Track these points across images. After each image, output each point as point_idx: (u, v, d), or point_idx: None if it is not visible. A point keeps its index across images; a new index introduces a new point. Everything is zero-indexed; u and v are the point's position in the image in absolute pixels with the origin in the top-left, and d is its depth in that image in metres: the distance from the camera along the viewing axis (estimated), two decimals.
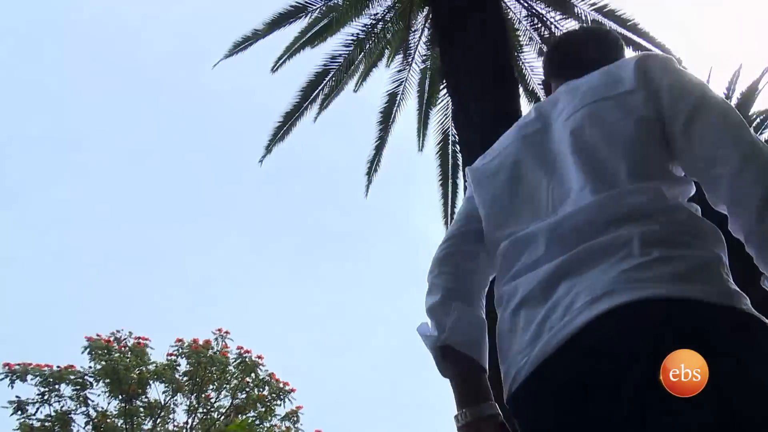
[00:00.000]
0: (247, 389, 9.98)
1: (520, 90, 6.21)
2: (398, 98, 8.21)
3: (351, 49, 7.51)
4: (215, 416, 9.95)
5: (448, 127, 8.15)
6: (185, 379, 9.69)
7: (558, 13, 7.38)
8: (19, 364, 8.63)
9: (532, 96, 8.08)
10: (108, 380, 9.03)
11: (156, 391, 9.62)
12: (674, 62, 1.02)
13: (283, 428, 9.87)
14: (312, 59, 7.68)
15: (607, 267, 0.84)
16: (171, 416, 9.76)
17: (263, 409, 9.85)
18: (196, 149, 30.15)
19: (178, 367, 9.73)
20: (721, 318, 0.77)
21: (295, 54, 7.61)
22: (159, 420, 9.58)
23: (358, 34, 7.45)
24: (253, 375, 9.94)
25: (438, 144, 8.48)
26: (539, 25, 7.53)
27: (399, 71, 8.06)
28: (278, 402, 9.91)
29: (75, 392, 8.99)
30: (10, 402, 8.49)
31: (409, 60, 7.91)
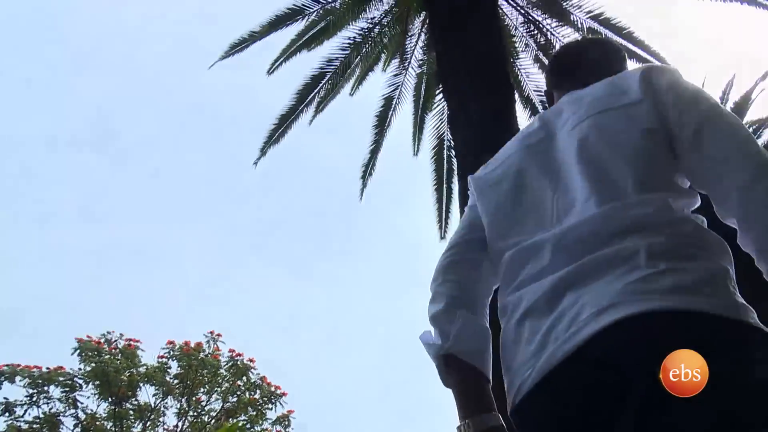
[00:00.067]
0: (239, 393, 9.92)
1: (516, 96, 6.24)
2: (394, 102, 8.23)
3: (347, 52, 7.51)
4: (206, 420, 9.88)
5: (444, 132, 8.17)
6: (176, 381, 9.62)
7: (554, 20, 7.42)
8: (7, 365, 8.54)
9: (528, 102, 8.11)
10: (98, 382, 8.96)
11: (146, 394, 9.57)
12: (679, 74, 1.02)
13: None
14: (310, 62, 7.69)
15: (613, 278, 0.83)
16: (161, 419, 9.68)
17: (254, 413, 9.80)
18: (195, 149, 30.13)
19: (168, 370, 9.67)
20: (728, 331, 0.77)
21: (291, 57, 7.60)
22: (149, 423, 9.49)
23: (354, 37, 7.45)
24: (244, 378, 9.89)
25: (433, 149, 8.50)
26: (535, 31, 7.57)
27: (395, 75, 8.08)
28: (270, 406, 9.86)
29: (64, 394, 8.90)
30: None
31: (406, 64, 7.93)
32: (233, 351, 9.91)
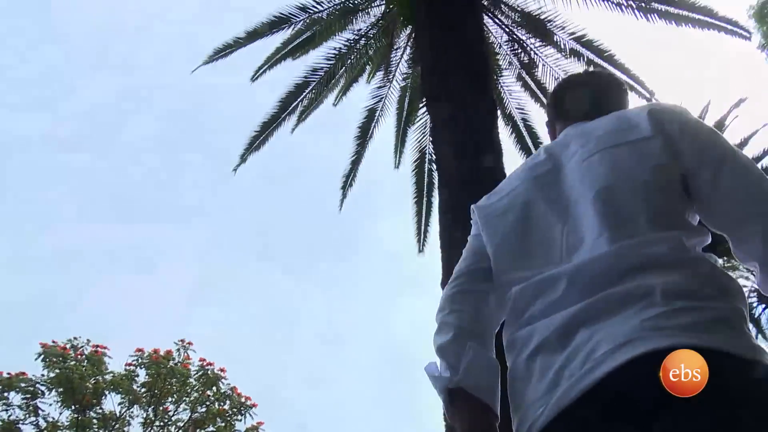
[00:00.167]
0: (208, 403, 9.70)
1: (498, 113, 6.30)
2: (377, 114, 8.24)
3: (332, 62, 7.51)
4: (172, 430, 9.62)
5: (426, 146, 8.19)
6: (143, 390, 9.38)
7: (538, 40, 7.54)
8: None
9: (510, 119, 8.20)
10: (61, 389, 8.67)
11: (112, 402, 9.29)
12: (687, 112, 1.02)
13: None
14: (297, 69, 7.66)
15: (629, 315, 0.82)
16: (126, 429, 9.41)
17: (223, 424, 9.58)
18: (193, 149, 29.84)
19: (136, 378, 9.42)
20: (746, 369, 0.77)
21: (276, 65, 7.57)
22: None
23: (340, 48, 7.46)
24: (214, 388, 9.68)
25: (414, 162, 8.51)
26: (519, 50, 7.67)
27: (379, 87, 8.09)
28: (239, 417, 9.66)
29: (24, 401, 8.60)
30: None
31: (390, 77, 7.95)
32: (204, 360, 9.71)
